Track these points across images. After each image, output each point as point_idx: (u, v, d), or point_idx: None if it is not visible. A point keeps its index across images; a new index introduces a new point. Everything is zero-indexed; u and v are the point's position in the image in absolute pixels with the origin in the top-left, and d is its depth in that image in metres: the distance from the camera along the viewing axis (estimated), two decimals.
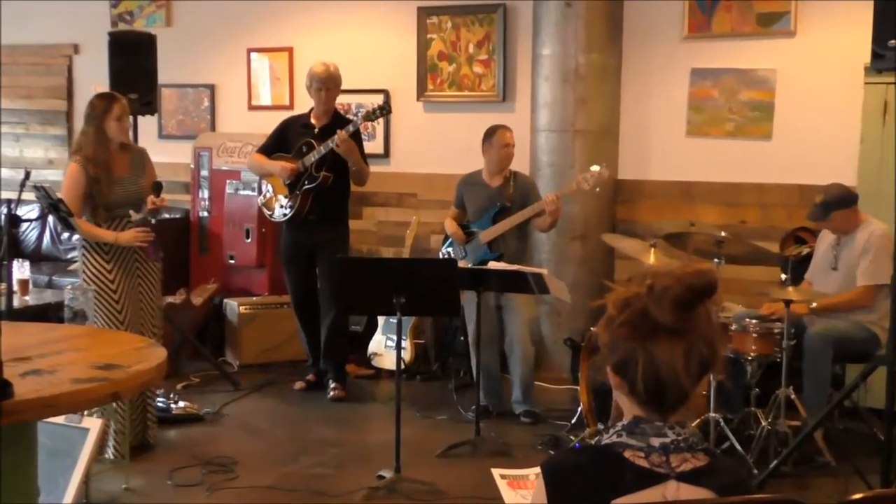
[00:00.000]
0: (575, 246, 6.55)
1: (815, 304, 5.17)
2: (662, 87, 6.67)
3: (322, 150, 5.95)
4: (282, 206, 6.18)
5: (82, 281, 4.98)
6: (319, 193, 6.03)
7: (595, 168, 5.72)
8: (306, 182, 6.03)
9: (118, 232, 4.94)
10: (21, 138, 8.82)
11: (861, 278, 5.13)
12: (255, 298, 7.10)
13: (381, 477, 4.71)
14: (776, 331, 5.00)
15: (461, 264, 5.40)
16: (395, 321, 4.82)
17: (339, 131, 5.84)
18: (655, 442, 1.91)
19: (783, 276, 5.16)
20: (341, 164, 6.01)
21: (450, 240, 6.14)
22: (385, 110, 5.99)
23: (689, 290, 1.92)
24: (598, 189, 5.82)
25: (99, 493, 4.53)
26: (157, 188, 5.10)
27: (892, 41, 4.28)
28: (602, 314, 2.01)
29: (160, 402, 5.63)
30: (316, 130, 6.10)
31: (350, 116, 6.36)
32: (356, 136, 6.00)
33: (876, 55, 4.37)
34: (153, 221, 5.02)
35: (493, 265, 5.43)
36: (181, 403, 5.73)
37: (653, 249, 5.30)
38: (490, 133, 5.98)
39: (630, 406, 1.97)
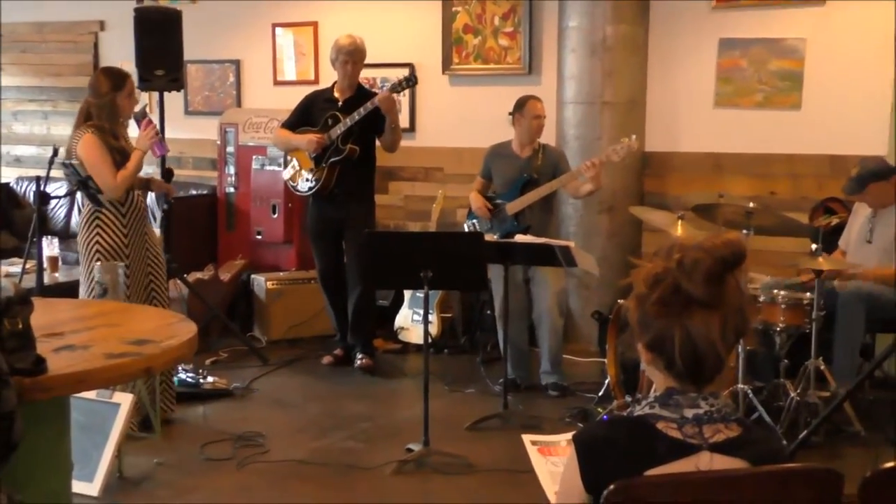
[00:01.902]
0: (603, 219, 6.53)
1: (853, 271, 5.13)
2: (690, 58, 6.62)
3: (348, 122, 5.96)
4: (307, 180, 6.18)
5: (91, 252, 4.98)
6: (345, 167, 6.04)
7: (625, 140, 5.72)
8: (332, 155, 6.03)
9: (135, 155, 4.97)
10: (49, 115, 8.87)
11: None
12: (282, 274, 7.12)
13: (410, 450, 4.73)
14: (805, 301, 4.97)
15: (488, 237, 5.38)
16: (421, 295, 4.83)
17: (383, 89, 5.88)
18: (689, 413, 1.91)
19: (813, 247, 5.12)
20: (367, 137, 6.02)
21: (472, 212, 6.14)
22: (411, 81, 5.99)
23: (719, 262, 1.91)
24: (627, 161, 5.82)
25: (131, 468, 4.58)
26: (169, 174, 5.17)
27: None
28: (630, 290, 2.00)
29: (189, 377, 5.67)
30: (340, 104, 6.10)
31: (375, 90, 6.34)
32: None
33: None
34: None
35: (520, 238, 5.41)
36: (210, 379, 5.76)
37: (681, 222, 5.28)
38: (521, 104, 5.96)
39: (664, 379, 1.96)
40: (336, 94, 6.17)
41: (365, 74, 6.39)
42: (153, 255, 5.14)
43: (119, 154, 4.95)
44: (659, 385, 1.98)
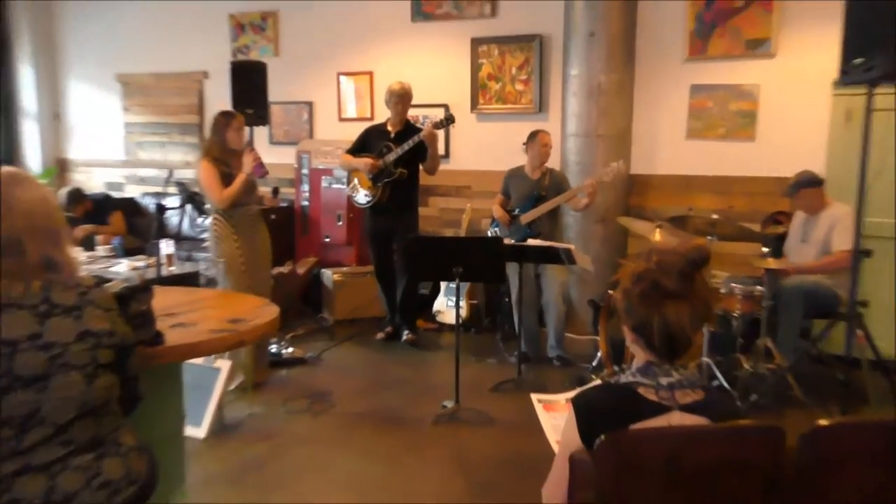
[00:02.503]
0: (597, 227, 6.50)
1: (798, 266, 5.09)
2: (667, 100, 6.58)
3: (399, 151, 5.97)
4: (365, 196, 6.20)
5: (215, 256, 5.05)
6: (396, 186, 6.05)
7: (614, 164, 5.73)
8: (386, 177, 6.05)
9: (239, 178, 4.97)
10: (165, 145, 8.94)
11: (839, 245, 5.03)
12: (345, 269, 7.13)
13: (445, 406, 4.75)
14: (757, 293, 4.94)
15: (506, 241, 5.37)
16: (454, 286, 4.84)
17: (426, 124, 5.86)
18: (663, 381, 1.91)
19: (764, 250, 5.08)
20: (413, 163, 6.02)
21: (495, 221, 6.12)
22: (451, 121, 5.96)
23: (689, 263, 1.92)
24: (616, 181, 5.81)
25: (230, 418, 4.63)
26: (276, 191, 5.22)
27: (856, 60, 4.19)
28: (618, 284, 2.01)
29: (274, 348, 5.71)
30: (392, 136, 6.11)
31: (419, 125, 6.33)
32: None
33: (843, 72, 4.29)
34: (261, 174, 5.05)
35: (531, 242, 5.41)
36: (290, 349, 5.80)
37: (658, 229, 5.25)
38: (533, 135, 5.97)
39: (644, 354, 1.97)
40: (389, 128, 6.18)
41: (411, 112, 6.40)
42: (262, 255, 5.16)
43: (227, 177, 4.99)
44: (640, 359, 1.99)
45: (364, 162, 6.09)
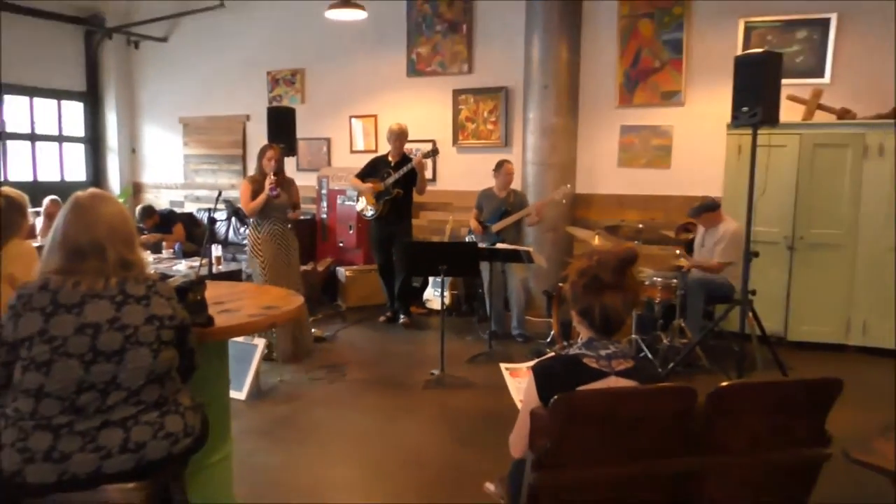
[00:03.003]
0: (549, 234, 6.48)
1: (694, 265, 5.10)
2: (603, 137, 6.57)
3: (396, 176, 5.94)
4: (371, 210, 6.18)
5: (251, 258, 5.01)
6: (394, 202, 6.01)
7: (564, 188, 5.73)
8: (386, 196, 6.02)
9: (261, 196, 4.91)
10: (215, 172, 8.86)
11: (717, 257, 5.04)
12: (355, 267, 7.08)
13: (433, 374, 4.72)
14: (673, 284, 4.94)
15: (480, 246, 5.35)
16: (440, 280, 4.81)
17: (417, 155, 5.85)
18: (603, 352, 1.90)
19: (677, 251, 5.08)
20: (408, 184, 5.98)
21: (471, 232, 6.10)
22: (435, 153, 5.96)
23: (621, 261, 1.91)
24: (564, 200, 5.81)
25: (265, 384, 4.58)
26: (296, 207, 5.13)
27: (744, 108, 4.24)
28: (567, 278, 2.00)
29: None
30: (392, 164, 6.08)
31: (412, 155, 6.28)
32: (420, 168, 5.98)
33: (734, 117, 4.35)
34: (275, 193, 4.97)
35: (500, 246, 5.39)
36: (312, 330, 5.74)
37: (597, 236, 5.25)
38: (499, 165, 5.95)
39: (587, 332, 1.95)
40: (390, 158, 6.13)
41: (407, 146, 6.38)
42: (291, 258, 5.09)
43: (257, 194, 4.96)
44: (584, 336, 1.97)
45: (368, 187, 6.08)
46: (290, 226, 5.14)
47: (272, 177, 4.99)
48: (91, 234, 1.99)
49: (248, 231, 5.08)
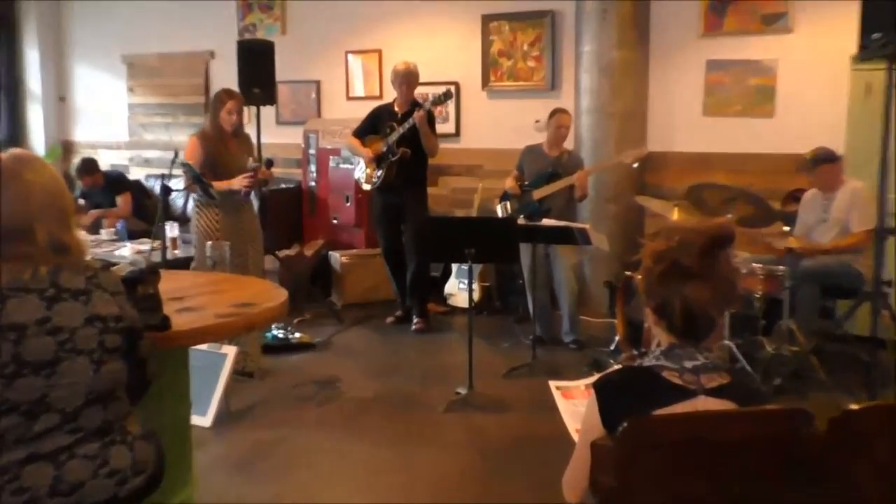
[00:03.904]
0: (612, 206, 6.46)
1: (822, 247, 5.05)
2: (683, 77, 6.51)
3: (400, 131, 5.97)
4: (372, 179, 6.20)
5: (195, 233, 5.08)
6: (402, 165, 6.03)
7: (637, 149, 5.76)
8: (390, 156, 6.04)
9: (222, 184, 5.05)
10: (170, 127, 8.93)
11: (858, 225, 4.98)
12: (354, 251, 7.11)
13: (458, 393, 4.73)
14: (779, 273, 4.89)
15: (519, 221, 5.34)
16: (466, 267, 4.81)
17: (416, 111, 5.87)
18: (688, 364, 1.88)
19: (785, 228, 5.03)
20: (418, 142, 5.99)
21: (506, 195, 6.08)
22: (447, 96, 5.98)
23: (711, 241, 1.89)
24: (635, 165, 5.80)
25: (236, 405, 4.61)
26: (270, 163, 5.22)
27: (876, 35, 4.16)
28: (638, 263, 1.98)
29: (281, 333, 5.70)
30: (399, 116, 6.09)
31: (424, 102, 6.29)
32: (430, 116, 6.00)
33: (862, 47, 4.27)
34: (263, 187, 5.09)
35: (545, 222, 5.38)
36: (297, 334, 5.79)
37: (677, 208, 5.21)
38: (552, 114, 5.94)
39: (667, 337, 1.94)
40: (396, 108, 6.15)
41: (421, 91, 6.37)
42: (248, 233, 5.17)
43: (213, 159, 5.00)
44: (663, 341, 1.96)
45: (366, 153, 6.13)
46: (251, 197, 5.20)
47: (253, 178, 5.02)
48: (15, 209, 1.98)
49: (198, 205, 5.14)
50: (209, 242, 4.74)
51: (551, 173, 5.84)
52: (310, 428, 4.36)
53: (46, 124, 9.39)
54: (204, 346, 4.38)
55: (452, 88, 6.90)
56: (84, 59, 9.29)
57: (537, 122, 6.11)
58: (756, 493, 1.78)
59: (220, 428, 4.33)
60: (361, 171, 6.31)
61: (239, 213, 5.16)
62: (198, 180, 4.95)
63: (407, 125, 5.93)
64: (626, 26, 6.34)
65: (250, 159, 5.16)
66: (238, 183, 5.06)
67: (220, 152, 5.06)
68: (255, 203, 5.59)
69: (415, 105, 6.11)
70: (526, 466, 3.86)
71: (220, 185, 5.03)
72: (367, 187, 6.27)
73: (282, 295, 2.96)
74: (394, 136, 6.02)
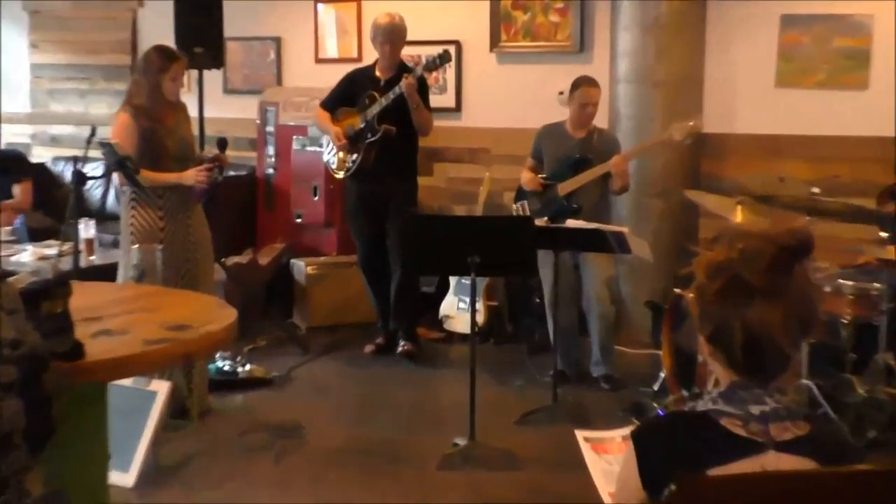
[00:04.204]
0: (656, 202, 6.47)
1: None
2: (750, 35, 6.53)
3: (383, 102, 5.98)
4: (344, 164, 6.21)
5: (128, 235, 5.03)
6: (384, 146, 6.04)
7: (687, 122, 5.69)
8: (369, 135, 6.04)
9: (169, 176, 5.01)
10: (86, 95, 8.93)
11: None
12: (323, 258, 7.12)
13: (456, 444, 4.72)
14: (874, 292, 4.88)
15: (538, 222, 5.35)
16: (468, 282, 4.82)
17: (404, 76, 5.88)
18: (754, 409, 1.88)
19: (882, 234, 5.04)
20: (405, 116, 6.01)
21: (523, 192, 6.10)
22: (444, 59, 5.95)
23: (783, 251, 1.89)
24: (688, 141, 5.79)
25: (168, 457, 4.60)
26: (223, 144, 5.18)
27: None
28: (690, 278, 1.98)
29: (227, 365, 5.69)
30: (381, 83, 6.11)
31: (416, 67, 6.29)
32: (421, 84, 6.02)
33: None
34: (217, 173, 5.07)
35: (571, 223, 5.38)
36: (248, 367, 5.78)
37: (739, 206, 5.20)
38: (575, 86, 5.93)
39: (727, 373, 1.94)
40: (378, 73, 6.18)
41: (410, 52, 6.39)
42: (196, 240, 5.15)
43: (151, 140, 4.96)
44: (722, 379, 1.96)
45: (335, 132, 6.15)
46: (198, 192, 5.16)
47: (210, 172, 5.01)
48: None
49: (134, 198, 5.08)
50: (135, 246, 4.73)
51: (578, 160, 5.85)
52: (264, 488, 4.34)
53: None
54: (127, 382, 4.37)
55: (452, 49, 6.92)
56: None
57: (561, 93, 6.13)
58: None
59: (147, 488, 4.31)
60: (332, 155, 6.32)
61: (188, 216, 5.12)
62: (120, 166, 4.93)
63: (392, 95, 5.94)
64: None
65: (207, 148, 5.14)
66: (192, 177, 5.00)
67: (160, 133, 5.02)
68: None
69: (402, 69, 6.12)
70: None
71: (163, 178, 4.97)
72: (339, 175, 6.29)
73: (229, 315, 2.97)
74: (374, 109, 6.03)
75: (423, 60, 6.21)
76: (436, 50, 6.15)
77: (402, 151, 6.13)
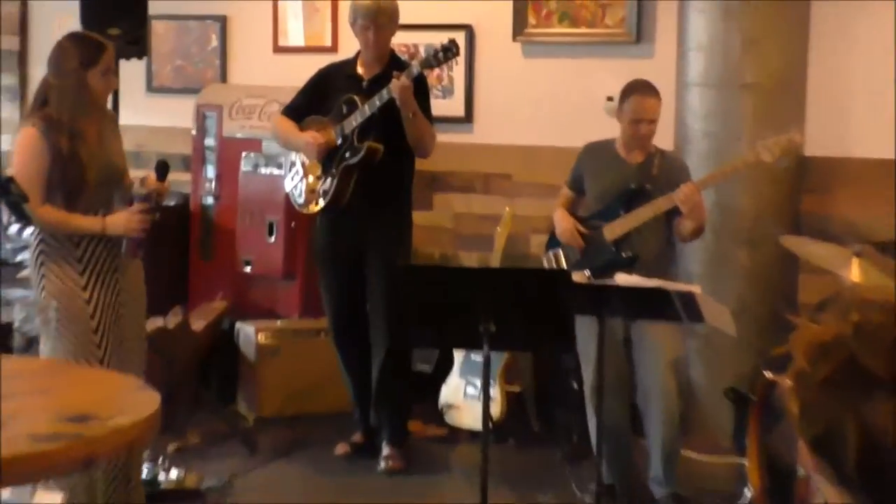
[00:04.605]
0: (741, 252, 6.48)
1: None
2: (871, 23, 6.58)
3: (367, 111, 5.98)
4: (313, 192, 6.22)
5: (40, 296, 5.04)
6: (368, 171, 6.06)
7: (783, 136, 5.69)
8: (347, 155, 6.06)
9: (91, 222, 4.97)
10: None
11: None
12: (280, 323, 7.15)
13: None
14: None
15: (577, 277, 5.36)
16: (479, 358, 4.83)
17: (395, 75, 5.86)
18: None
19: None
20: (397, 130, 6.02)
21: (554, 239, 6.12)
22: (450, 52, 5.94)
23: None
24: (783, 164, 5.79)
25: None
26: (163, 169, 5.14)
27: None
28: (786, 360, 1.99)
29: (146, 469, 5.69)
30: (364, 83, 6.16)
31: (411, 63, 6.30)
32: (419, 85, 6.04)
33: None
34: (156, 213, 5.07)
35: (622, 279, 5.38)
36: (174, 473, 5.77)
37: (856, 259, 5.22)
38: (626, 93, 5.92)
39: (837, 494, 1.95)
40: (360, 70, 6.23)
41: (406, 40, 6.44)
42: (130, 300, 5.17)
43: (69, 166, 4.97)
44: (831, 501, 1.97)
45: (304, 138, 6.12)
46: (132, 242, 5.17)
47: (137, 218, 4.99)
48: None
49: (42, 244, 5.10)
50: (30, 298, 4.75)
51: (633, 192, 5.87)
52: None
53: None
54: (4, 492, 4.37)
55: (461, 37, 6.98)
56: None
57: (610, 100, 6.15)
58: None
59: None
60: (297, 179, 6.33)
61: (122, 271, 5.12)
62: (2, 188, 4.94)
63: (378, 101, 5.96)
64: None
65: (138, 181, 5.10)
66: (123, 225, 4.96)
67: (81, 154, 5.01)
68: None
69: (394, 66, 6.15)
70: None
71: (77, 224, 4.94)
72: (308, 208, 6.29)
73: (149, 401, 2.98)
74: (355, 120, 6.04)
75: (422, 54, 6.26)
76: (439, 38, 6.20)
77: (392, 178, 6.17)
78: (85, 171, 4.98)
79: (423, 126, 6.05)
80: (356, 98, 6.08)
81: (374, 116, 6.00)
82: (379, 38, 6.14)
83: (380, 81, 6.05)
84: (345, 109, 6.10)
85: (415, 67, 5.96)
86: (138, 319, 5.25)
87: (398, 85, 5.84)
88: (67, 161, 4.94)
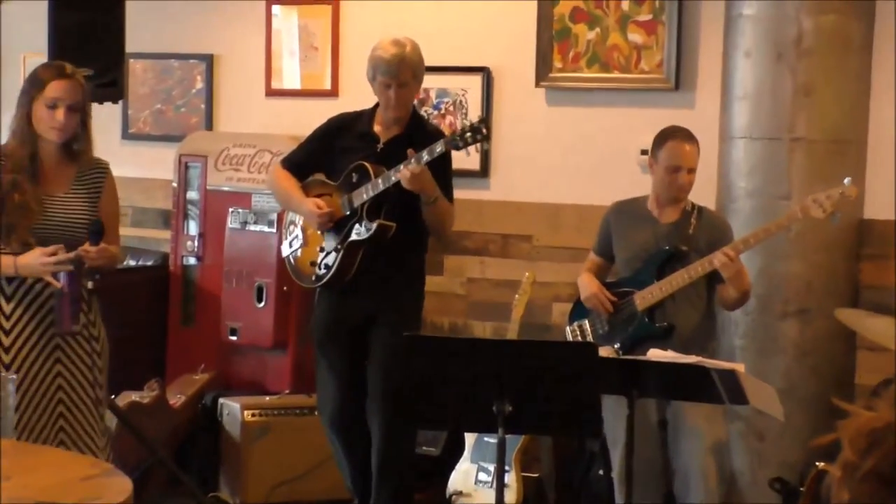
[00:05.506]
0: (790, 326, 6.46)
1: None
2: None
3: (380, 185, 5.91)
4: (314, 265, 6.21)
5: None
6: (377, 247, 6.03)
7: (838, 189, 5.64)
8: (355, 229, 6.05)
9: (16, 256, 4.98)
10: None
11: None
12: (268, 399, 7.14)
13: None
14: None
15: (604, 351, 5.36)
16: (493, 441, 4.82)
17: (407, 160, 5.76)
18: None
19: None
20: (411, 205, 5.95)
21: (582, 306, 6.13)
22: (479, 135, 5.80)
23: None
24: (836, 220, 5.76)
25: None
26: (97, 231, 5.06)
27: None
28: (837, 449, 1.99)
29: None
30: (379, 146, 6.10)
31: (438, 126, 6.22)
32: (441, 161, 5.92)
33: None
34: (95, 277, 5.03)
35: (655, 354, 5.37)
36: None
37: None
38: (659, 140, 5.94)
39: None
40: (376, 128, 6.16)
41: (427, 93, 6.45)
42: (75, 367, 5.15)
43: (21, 197, 4.98)
44: None
45: (307, 205, 6.08)
46: (90, 295, 5.16)
47: (48, 261, 4.96)
48: None
49: None
50: None
51: (667, 255, 5.87)
52: None
53: None
54: None
55: (478, 81, 7.00)
56: None
57: (645, 153, 6.16)
58: None
59: None
60: (297, 246, 6.31)
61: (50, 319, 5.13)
62: None
63: (393, 176, 5.88)
64: None
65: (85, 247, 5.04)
66: (41, 264, 4.93)
67: (23, 191, 5.03)
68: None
69: (414, 126, 6.15)
70: None
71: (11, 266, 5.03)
72: (307, 282, 6.30)
73: (118, 488, 2.97)
74: (366, 193, 5.96)
75: (433, 99, 6.25)
76: (453, 82, 6.20)
77: (405, 256, 6.14)
78: (22, 213, 5.01)
79: (444, 210, 6.01)
80: (368, 167, 5.98)
81: (387, 192, 5.92)
82: (401, 97, 6.03)
83: (397, 145, 5.98)
84: (354, 178, 6.04)
85: (423, 156, 5.79)
86: (92, 390, 5.21)
87: (405, 176, 5.76)
88: (8, 198, 4.98)
